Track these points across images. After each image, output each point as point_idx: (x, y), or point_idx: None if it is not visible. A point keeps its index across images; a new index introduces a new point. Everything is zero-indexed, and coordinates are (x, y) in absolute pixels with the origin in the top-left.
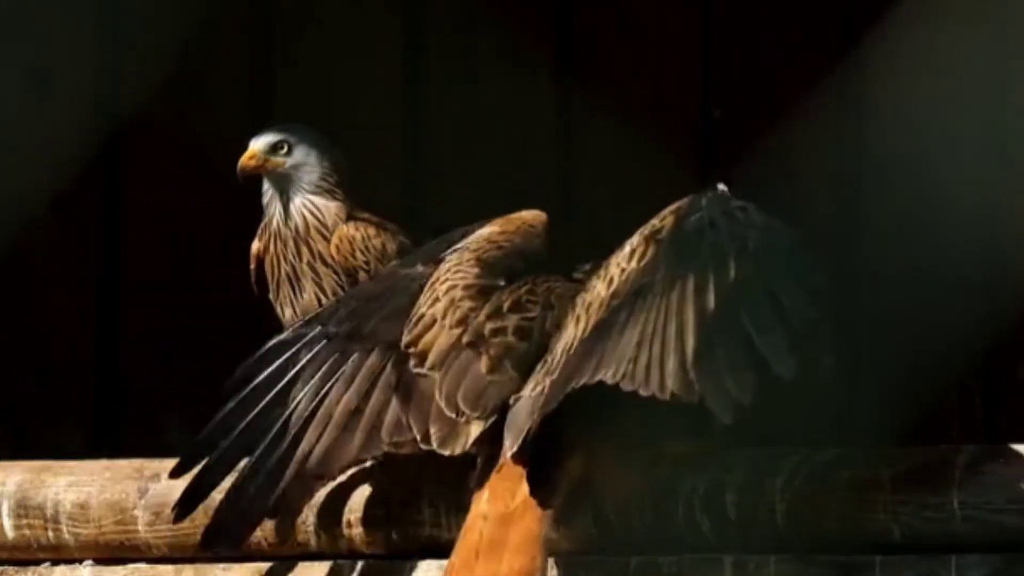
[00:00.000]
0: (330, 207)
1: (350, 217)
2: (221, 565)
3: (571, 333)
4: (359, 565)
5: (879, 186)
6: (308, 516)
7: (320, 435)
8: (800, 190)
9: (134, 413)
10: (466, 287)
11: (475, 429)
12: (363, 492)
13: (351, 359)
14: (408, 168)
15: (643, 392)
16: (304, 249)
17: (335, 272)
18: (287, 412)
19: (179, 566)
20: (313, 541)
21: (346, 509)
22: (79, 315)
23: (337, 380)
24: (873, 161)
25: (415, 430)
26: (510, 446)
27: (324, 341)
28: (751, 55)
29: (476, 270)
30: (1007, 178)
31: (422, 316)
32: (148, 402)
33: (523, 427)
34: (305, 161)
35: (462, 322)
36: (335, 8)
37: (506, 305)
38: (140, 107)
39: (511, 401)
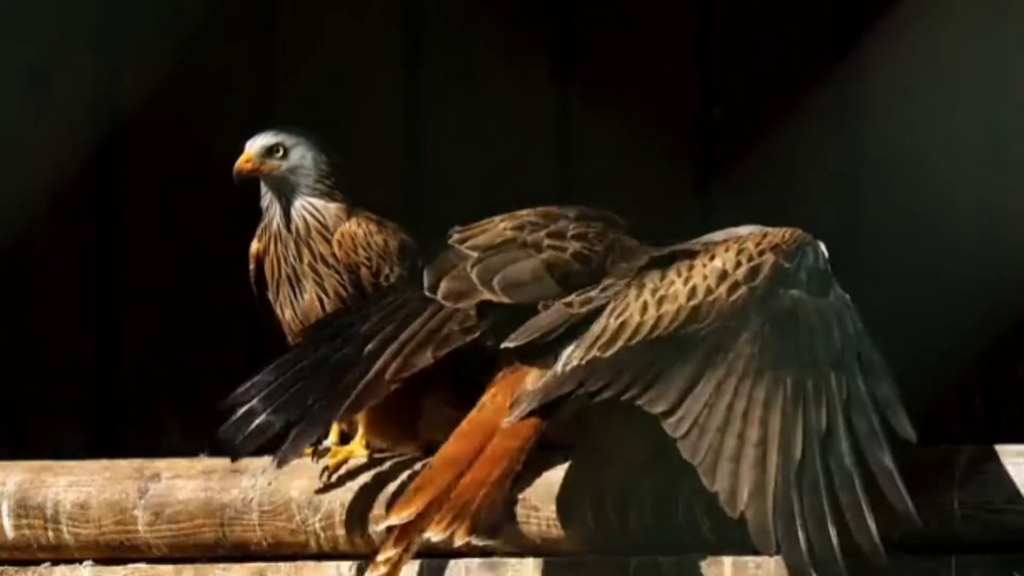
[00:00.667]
0: (330, 208)
1: (350, 215)
2: (221, 565)
3: (633, 316)
4: (360, 565)
5: (879, 186)
6: (309, 516)
7: (400, 348)
8: (800, 190)
9: (134, 413)
10: (532, 208)
11: (487, 296)
12: (364, 493)
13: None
14: (408, 168)
15: (704, 481)
16: (305, 251)
17: (337, 272)
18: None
19: (179, 566)
20: (313, 541)
21: (345, 510)
22: (79, 315)
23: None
24: (873, 161)
25: (426, 279)
26: (514, 339)
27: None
28: (751, 55)
29: (547, 205)
30: (1007, 178)
31: (481, 222)
32: (148, 402)
33: (535, 331)
34: (301, 164)
35: (519, 228)
36: (336, 10)
37: (570, 232)
38: (140, 107)
39: (540, 307)
